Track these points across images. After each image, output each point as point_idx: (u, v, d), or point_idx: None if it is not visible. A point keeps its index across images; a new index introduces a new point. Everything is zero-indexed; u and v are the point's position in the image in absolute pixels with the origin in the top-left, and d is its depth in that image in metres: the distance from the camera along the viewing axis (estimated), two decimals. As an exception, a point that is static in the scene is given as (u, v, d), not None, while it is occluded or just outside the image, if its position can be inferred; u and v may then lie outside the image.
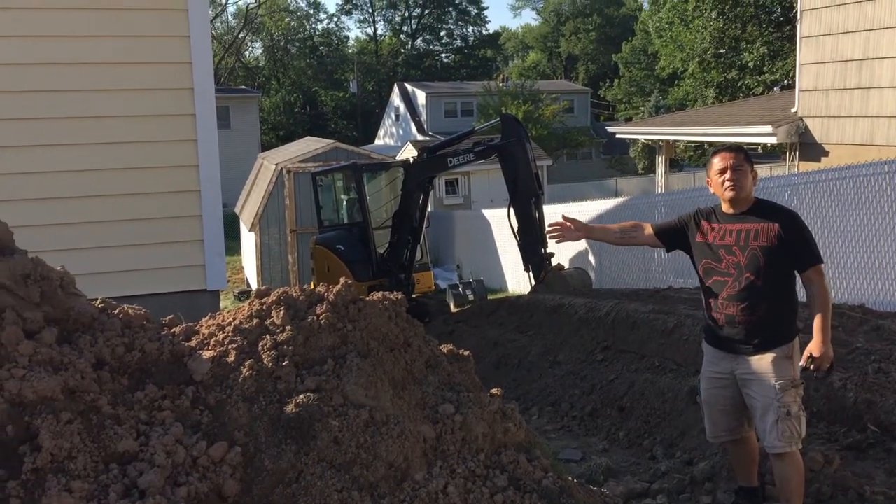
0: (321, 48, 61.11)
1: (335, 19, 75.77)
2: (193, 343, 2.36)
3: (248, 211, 18.08)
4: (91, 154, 6.22)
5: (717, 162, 3.89)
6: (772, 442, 3.75)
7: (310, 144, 19.05)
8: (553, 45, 67.81)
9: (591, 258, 12.81)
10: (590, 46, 63.73)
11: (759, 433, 3.90)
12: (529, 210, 10.68)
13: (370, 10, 63.22)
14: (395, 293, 2.99)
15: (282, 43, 60.04)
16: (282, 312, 2.43)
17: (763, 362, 3.78)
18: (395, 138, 42.32)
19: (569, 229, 4.36)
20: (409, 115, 41.46)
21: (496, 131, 11.87)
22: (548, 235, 4.45)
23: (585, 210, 13.09)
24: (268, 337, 2.35)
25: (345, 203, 13.50)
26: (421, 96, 41.41)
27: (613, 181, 33.09)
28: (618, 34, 59.13)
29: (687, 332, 6.54)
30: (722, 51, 28.91)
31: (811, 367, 3.74)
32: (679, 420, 5.51)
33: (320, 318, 2.45)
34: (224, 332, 2.40)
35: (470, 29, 64.48)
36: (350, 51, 63.53)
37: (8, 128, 5.99)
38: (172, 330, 2.47)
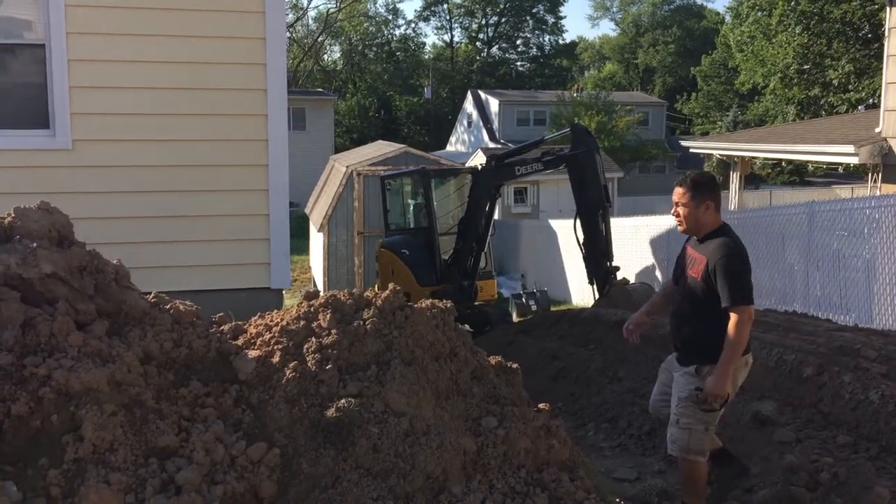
0: (398, 53, 61.66)
1: (413, 25, 76.41)
2: (240, 342, 2.37)
3: (317, 212, 18.31)
4: (168, 150, 6.36)
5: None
6: (667, 442, 4.20)
7: (381, 148, 19.19)
8: (630, 56, 67.02)
9: (658, 273, 12.56)
10: (668, 59, 62.77)
11: None
12: (596, 222, 10.53)
13: (448, 17, 63.55)
14: (445, 301, 2.93)
15: (359, 47, 60.79)
16: (329, 316, 2.42)
17: (679, 373, 4.18)
18: (467, 145, 42.37)
19: (636, 333, 4.56)
20: (481, 123, 41.45)
21: (567, 141, 11.75)
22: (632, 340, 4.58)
23: (652, 224, 12.84)
24: (313, 339, 2.34)
25: (412, 207, 13.53)
26: (494, 104, 41.36)
27: (686, 196, 32.35)
28: (697, 47, 58.09)
29: (753, 355, 6.33)
30: (805, 67, 28.09)
31: (699, 398, 3.98)
32: (740, 446, 5.33)
33: (366, 323, 2.43)
34: (271, 333, 2.40)
35: (546, 38, 64.27)
36: (426, 57, 63.95)
37: (94, 122, 6.17)
38: (221, 328, 2.48)
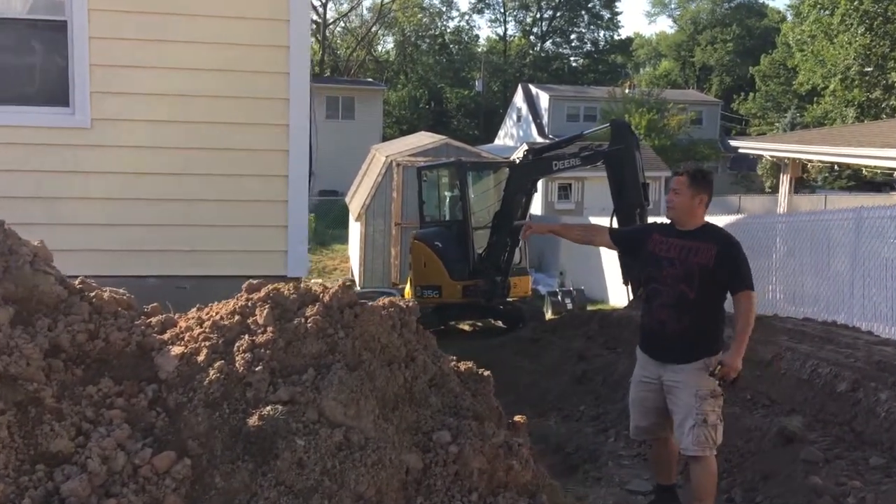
0: (451, 46, 61.38)
1: (466, 17, 75.96)
2: (167, 336, 2.18)
3: (356, 201, 18.21)
4: (187, 132, 6.25)
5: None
6: (687, 445, 4.09)
7: (422, 139, 19.00)
8: (687, 54, 65.65)
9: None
10: (726, 57, 61.32)
11: (677, 437, 4.20)
12: (633, 221, 10.19)
13: (502, 10, 63.05)
14: (405, 300, 2.71)
15: (412, 38, 60.66)
16: (266, 311, 2.22)
17: (686, 372, 4.12)
18: (515, 139, 41.96)
19: (530, 227, 4.94)
20: (530, 117, 41.03)
21: (607, 137, 11.42)
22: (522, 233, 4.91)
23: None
24: (246, 337, 2.14)
25: (448, 200, 13.33)
26: (544, 98, 40.91)
27: (737, 198, 31.64)
28: (757, 46, 56.60)
29: (785, 366, 6.01)
30: (868, 69, 27.11)
31: (718, 373, 4.03)
32: (763, 462, 5.02)
33: (308, 321, 2.22)
34: (202, 328, 2.20)
35: (601, 33, 63.35)
36: (479, 49, 63.54)
37: (114, 101, 6.08)
38: (149, 320, 2.29)
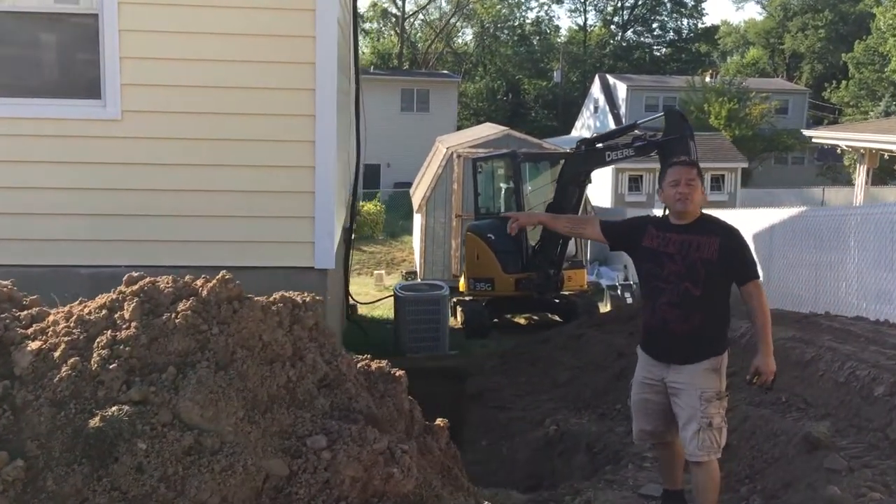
0: (531, 37, 60.81)
1: (546, 8, 75.10)
2: (31, 331, 2.12)
3: (418, 193, 18.21)
4: (215, 123, 6.28)
5: (671, 173, 4.05)
6: (692, 450, 3.91)
7: (484, 130, 18.84)
8: (776, 41, 63.36)
9: (760, 271, 11.60)
10: (817, 44, 58.90)
11: (681, 440, 4.02)
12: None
13: (581, 0, 62.14)
14: (316, 295, 2.59)
15: (491, 30, 60.37)
16: (133, 306, 2.13)
17: (692, 373, 3.93)
18: (592, 130, 41.31)
19: (517, 219, 4.67)
20: (607, 108, 40.33)
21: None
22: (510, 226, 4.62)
23: (754, 218, 11.87)
24: (108, 333, 2.06)
25: (503, 192, 13.18)
26: (622, 89, 40.14)
27: (820, 190, 30.37)
28: (851, 32, 54.10)
29: (824, 367, 5.67)
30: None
31: (756, 381, 3.91)
32: (787, 469, 4.74)
33: (177, 316, 2.12)
34: (68, 322, 2.14)
35: (685, 22, 61.72)
36: (560, 40, 62.78)
37: (144, 93, 6.16)
38: (19, 313, 2.24)
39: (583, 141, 11.28)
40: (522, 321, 13.39)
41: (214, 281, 2.32)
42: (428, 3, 60.23)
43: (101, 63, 6.10)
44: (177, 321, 2.15)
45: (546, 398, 7.72)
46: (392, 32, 59.65)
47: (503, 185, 13.20)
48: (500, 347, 10.86)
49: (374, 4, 58.89)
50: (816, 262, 9.71)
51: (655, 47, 62.06)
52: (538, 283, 11.79)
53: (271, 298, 2.47)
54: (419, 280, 16.49)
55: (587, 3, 62.21)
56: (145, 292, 2.24)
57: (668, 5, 60.49)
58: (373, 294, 15.37)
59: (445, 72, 48.41)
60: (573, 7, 65.59)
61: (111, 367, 2.03)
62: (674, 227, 4.07)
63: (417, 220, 17.86)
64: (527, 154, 13.20)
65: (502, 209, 12.88)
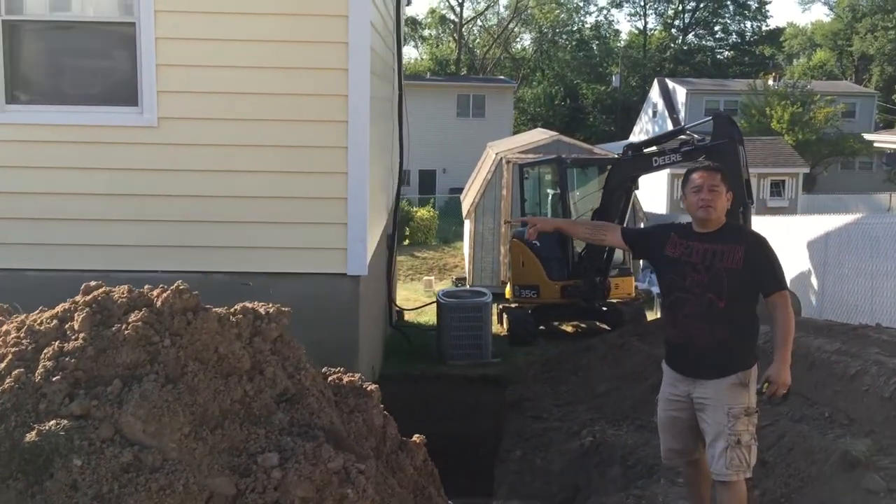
0: (590, 42, 60.25)
1: (605, 12, 74.32)
2: None
3: (468, 199, 18.15)
4: (249, 130, 6.32)
5: (694, 179, 3.88)
6: (719, 469, 3.74)
7: (534, 136, 18.69)
8: (844, 43, 61.56)
9: (814, 280, 11.25)
10: (887, 46, 57.02)
11: (707, 458, 3.86)
12: (735, 220, 9.55)
13: (641, 4, 61.32)
14: (279, 306, 2.51)
15: (549, 35, 60.04)
16: (83, 316, 2.08)
17: (718, 388, 3.77)
18: (650, 135, 40.72)
19: (535, 225, 4.61)
20: (666, 112, 39.68)
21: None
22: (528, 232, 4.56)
23: (809, 225, 11.49)
24: (56, 344, 2.02)
25: (550, 198, 13.02)
26: (681, 93, 39.45)
27: (887, 196, 29.29)
28: (924, 33, 52.33)
29: (869, 382, 5.42)
30: None
31: (767, 391, 3.71)
32: (823, 489, 4.53)
33: (127, 327, 2.07)
34: (19, 332, 2.10)
35: (748, 24, 60.45)
36: (620, 44, 62.08)
37: (179, 100, 6.23)
38: None
39: (630, 146, 11.05)
40: (570, 329, 13.20)
41: (169, 291, 2.27)
42: (486, 9, 60.23)
43: (139, 70, 6.19)
44: (126, 332, 2.10)
45: (584, 408, 7.56)
46: (450, 39, 59.79)
47: (550, 191, 13.03)
48: (544, 355, 10.70)
49: (433, 11, 59.15)
50: (873, 271, 9.33)
51: (717, 50, 60.88)
52: (584, 291, 11.61)
53: (231, 309, 2.41)
54: (468, 286, 16.41)
55: (647, 6, 61.40)
56: (98, 302, 2.21)
57: (731, 7, 59.33)
58: (422, 300, 15.35)
59: (501, 77, 48.29)
60: (633, 11, 64.79)
61: (55, 379, 2.00)
62: (697, 236, 3.92)
63: (467, 226, 17.80)
64: (574, 160, 13.01)
65: (549, 215, 12.72)
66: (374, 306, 8.40)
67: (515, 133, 37.37)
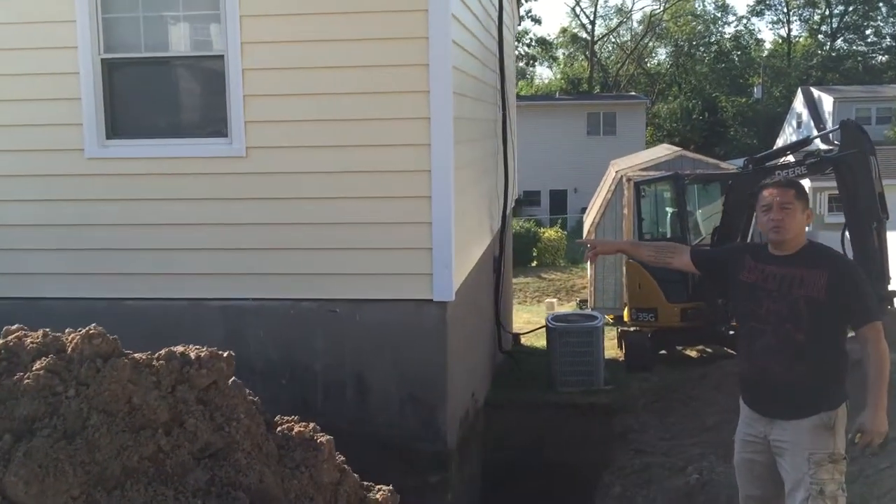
0: (730, 53, 58.04)
1: (745, 21, 71.58)
2: None
3: (589, 218, 17.68)
4: (334, 156, 6.30)
5: (764, 196, 3.56)
6: None
7: (657, 152, 18.00)
8: None
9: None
10: None
11: None
12: (868, 237, 8.76)
13: (784, 10, 58.56)
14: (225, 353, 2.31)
15: (685, 48, 58.35)
16: None
17: (798, 430, 3.41)
18: (794, 148, 38.61)
19: (595, 247, 4.46)
20: (811, 123, 37.53)
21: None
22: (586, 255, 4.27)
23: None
24: None
25: (668, 216, 12.44)
26: (827, 102, 37.23)
27: None
28: None
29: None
30: None
31: (860, 442, 3.37)
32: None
33: (25, 378, 1.91)
34: None
35: (905, 26, 56.54)
36: (763, 54, 59.47)
37: (266, 129, 6.29)
38: None
39: (750, 159, 10.39)
40: (694, 354, 12.52)
41: (82, 335, 2.13)
42: (618, 26, 59.33)
43: (227, 102, 6.30)
44: (26, 382, 1.98)
45: (691, 442, 7.07)
46: (583, 57, 59.16)
47: (668, 209, 12.46)
48: (661, 382, 10.18)
49: (564, 31, 58.78)
50: None
51: (870, 55, 57.20)
52: (706, 314, 10.97)
53: (156, 354, 2.26)
54: (590, 308, 15.94)
55: (791, 13, 58.58)
56: (8, 348, 2.10)
57: (884, 10, 55.63)
58: (542, 323, 15.02)
59: (633, 93, 47.29)
60: (775, 19, 61.94)
61: (-62, 434, 1.90)
62: (773, 259, 3.55)
63: (588, 247, 17.31)
64: (693, 176, 12.39)
65: (668, 235, 12.14)
66: (472, 332, 8.20)
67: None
